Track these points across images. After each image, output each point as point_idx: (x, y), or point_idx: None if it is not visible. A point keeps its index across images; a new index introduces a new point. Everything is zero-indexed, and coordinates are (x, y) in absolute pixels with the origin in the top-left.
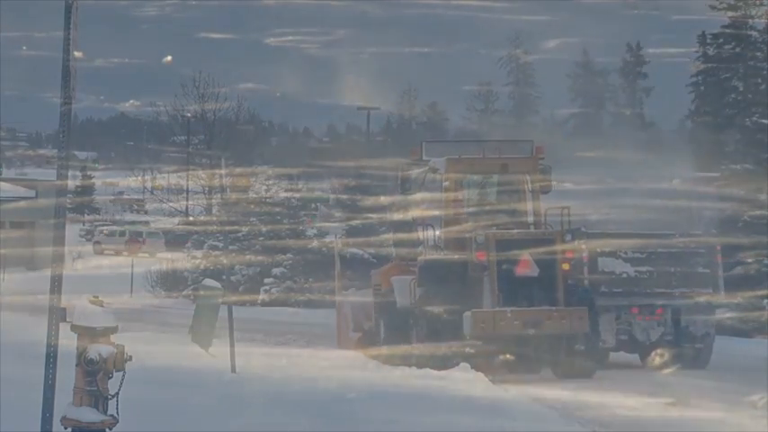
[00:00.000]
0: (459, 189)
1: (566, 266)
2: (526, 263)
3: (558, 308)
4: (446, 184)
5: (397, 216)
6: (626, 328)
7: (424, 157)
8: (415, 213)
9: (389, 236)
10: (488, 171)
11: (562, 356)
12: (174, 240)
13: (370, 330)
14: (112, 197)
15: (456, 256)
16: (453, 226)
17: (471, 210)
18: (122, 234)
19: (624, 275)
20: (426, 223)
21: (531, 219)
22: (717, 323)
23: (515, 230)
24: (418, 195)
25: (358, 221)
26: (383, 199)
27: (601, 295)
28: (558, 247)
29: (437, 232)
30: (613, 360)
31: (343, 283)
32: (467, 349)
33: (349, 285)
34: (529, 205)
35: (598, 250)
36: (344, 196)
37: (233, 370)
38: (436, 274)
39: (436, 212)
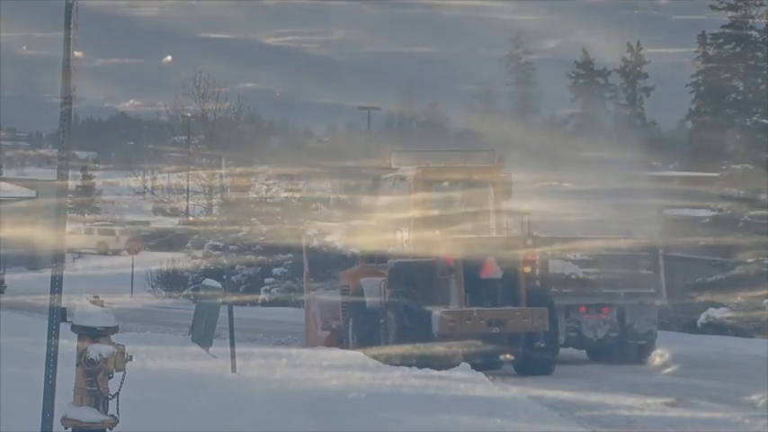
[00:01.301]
0: (427, 196)
1: (527, 269)
2: (490, 265)
3: (520, 308)
4: (414, 191)
5: (367, 219)
6: (575, 326)
7: (394, 166)
8: (384, 217)
9: (359, 238)
10: (454, 179)
11: (522, 353)
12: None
13: (338, 329)
14: (153, 198)
15: (424, 259)
16: (421, 230)
17: (438, 215)
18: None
19: (573, 276)
20: (395, 227)
21: (493, 223)
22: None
23: (480, 235)
24: (388, 200)
25: (358, 221)
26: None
27: (552, 295)
28: (520, 251)
29: (405, 236)
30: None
31: (310, 282)
32: (437, 347)
33: (317, 285)
34: (492, 211)
35: (549, 253)
36: (345, 196)
37: (233, 370)
38: (406, 276)
39: (405, 217)
